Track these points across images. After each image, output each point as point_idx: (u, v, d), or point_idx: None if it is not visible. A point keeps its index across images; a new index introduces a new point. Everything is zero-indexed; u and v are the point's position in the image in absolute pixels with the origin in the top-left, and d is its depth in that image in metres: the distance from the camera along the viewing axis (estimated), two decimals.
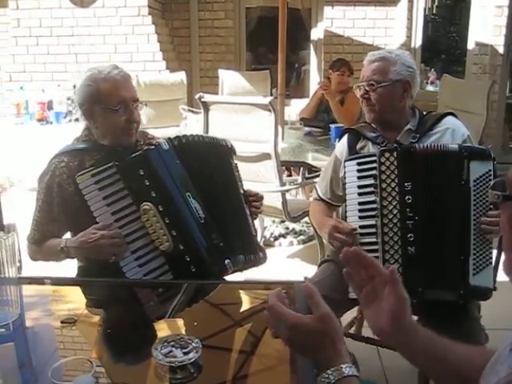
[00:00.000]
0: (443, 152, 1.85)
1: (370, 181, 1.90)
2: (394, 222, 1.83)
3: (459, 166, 1.80)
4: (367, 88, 2.05)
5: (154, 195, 1.71)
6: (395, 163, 1.85)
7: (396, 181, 1.84)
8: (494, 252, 1.84)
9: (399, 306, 0.97)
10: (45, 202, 1.88)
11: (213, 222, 1.78)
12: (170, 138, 1.82)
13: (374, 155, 1.92)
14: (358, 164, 1.95)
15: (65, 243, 1.78)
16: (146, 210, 1.69)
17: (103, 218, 1.72)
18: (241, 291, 1.81)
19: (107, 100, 1.85)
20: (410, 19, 6.20)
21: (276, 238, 4.14)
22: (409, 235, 1.80)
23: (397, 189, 1.83)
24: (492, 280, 1.81)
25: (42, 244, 1.88)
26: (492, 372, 0.86)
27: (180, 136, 1.87)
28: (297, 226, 4.27)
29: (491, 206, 1.79)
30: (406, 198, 1.82)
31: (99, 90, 1.85)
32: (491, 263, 1.81)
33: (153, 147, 1.80)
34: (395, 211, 1.83)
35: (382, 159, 1.86)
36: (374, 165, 1.89)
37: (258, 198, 2.00)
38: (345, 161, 2.02)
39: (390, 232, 1.83)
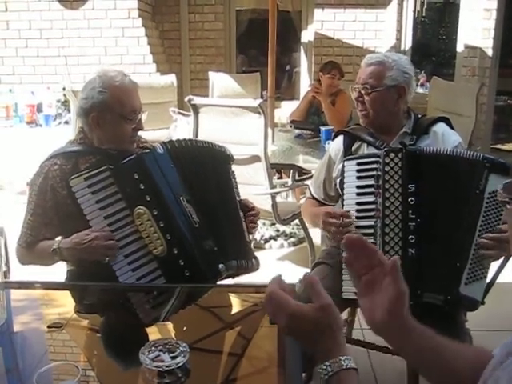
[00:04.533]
0: (463, 158, 1.83)
1: (370, 181, 1.89)
2: (396, 222, 1.81)
3: (478, 175, 1.78)
4: (362, 91, 2.05)
5: (148, 199, 1.70)
6: (399, 164, 1.84)
7: (400, 182, 1.83)
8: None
9: (397, 299, 0.93)
10: (38, 205, 1.86)
11: (207, 226, 1.78)
12: (164, 142, 1.82)
13: (375, 156, 1.92)
14: (358, 164, 1.94)
15: (58, 245, 1.77)
16: (140, 214, 1.69)
17: (96, 221, 1.71)
18: (231, 294, 1.81)
19: (120, 109, 1.84)
20: (399, 22, 6.23)
21: (266, 241, 4.14)
22: (410, 237, 1.79)
23: (400, 190, 1.82)
24: (482, 293, 1.79)
25: (33, 247, 1.86)
26: (492, 376, 0.84)
27: (173, 140, 1.87)
28: (287, 229, 4.27)
29: (500, 221, 1.76)
30: (409, 199, 1.80)
31: (113, 98, 1.83)
32: (485, 277, 1.79)
33: (148, 151, 1.80)
34: (397, 212, 1.81)
35: (387, 159, 1.85)
36: (375, 165, 1.88)
37: (255, 213, 2.00)
38: (344, 160, 2.00)
39: (391, 233, 1.81)
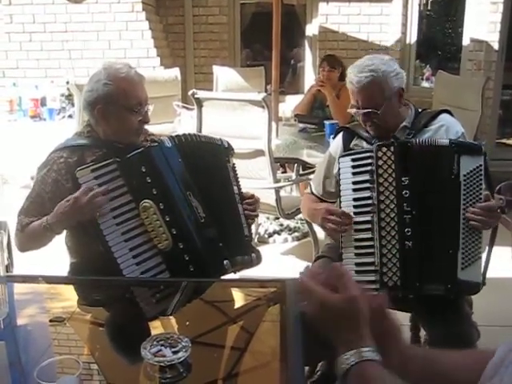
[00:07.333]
0: (435, 146, 1.86)
1: (366, 177, 1.89)
2: (392, 216, 1.83)
3: (450, 160, 1.81)
4: (371, 115, 2.00)
5: (155, 193, 1.70)
6: (392, 158, 1.85)
7: (393, 175, 1.84)
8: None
9: (393, 333, 0.96)
10: (38, 195, 1.87)
11: (212, 221, 1.77)
12: (172, 136, 1.82)
13: (369, 151, 1.92)
14: (353, 160, 1.94)
15: (46, 221, 1.76)
16: (146, 208, 1.68)
17: (102, 213, 1.70)
18: (235, 289, 1.81)
19: (126, 101, 1.84)
20: (405, 15, 6.19)
21: (270, 235, 4.14)
22: (406, 230, 1.81)
23: (394, 183, 1.83)
24: (481, 275, 1.82)
25: (26, 228, 1.84)
26: (495, 374, 0.85)
27: (180, 135, 1.86)
28: (291, 223, 4.27)
29: (481, 201, 1.80)
30: (404, 192, 1.82)
31: (118, 90, 1.83)
32: (480, 258, 1.81)
33: (156, 144, 1.79)
34: (392, 206, 1.83)
35: (379, 154, 1.86)
36: (370, 160, 1.89)
37: (253, 201, 1.98)
38: (339, 157, 2.01)
39: (388, 227, 1.83)
